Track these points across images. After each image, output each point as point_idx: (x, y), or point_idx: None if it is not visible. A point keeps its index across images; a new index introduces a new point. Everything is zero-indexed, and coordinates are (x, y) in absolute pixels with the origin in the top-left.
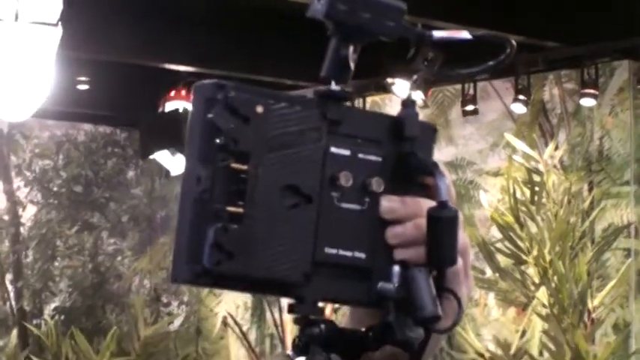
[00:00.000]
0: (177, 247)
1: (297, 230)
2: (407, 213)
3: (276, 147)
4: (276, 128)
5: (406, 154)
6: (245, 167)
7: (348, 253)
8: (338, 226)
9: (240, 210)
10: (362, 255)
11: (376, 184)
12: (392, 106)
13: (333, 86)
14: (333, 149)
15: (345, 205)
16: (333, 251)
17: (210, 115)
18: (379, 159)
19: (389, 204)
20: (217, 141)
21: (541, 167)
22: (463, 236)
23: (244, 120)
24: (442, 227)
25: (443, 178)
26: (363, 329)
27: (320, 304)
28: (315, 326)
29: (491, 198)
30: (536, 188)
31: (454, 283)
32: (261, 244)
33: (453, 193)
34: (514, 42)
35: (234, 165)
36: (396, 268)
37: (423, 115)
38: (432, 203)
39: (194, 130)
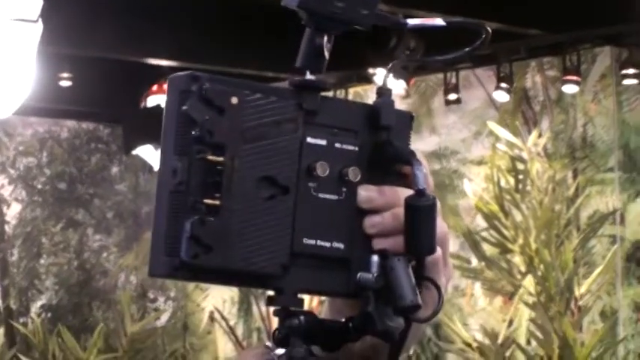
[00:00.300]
0: (155, 241)
1: (275, 221)
2: (385, 202)
3: (252, 138)
4: (252, 119)
5: (383, 143)
6: (221, 159)
7: (327, 244)
8: (315, 217)
9: (217, 202)
10: (340, 245)
11: (353, 173)
12: (374, 97)
13: (308, 76)
14: (310, 139)
15: (322, 195)
16: (311, 242)
17: (184, 107)
18: (356, 148)
19: (366, 193)
20: (192, 133)
21: (525, 155)
22: (442, 224)
23: (219, 111)
24: (420, 216)
25: (420, 167)
26: (343, 320)
27: (300, 296)
28: (294, 318)
29: (475, 187)
30: (521, 176)
31: (433, 271)
32: (238, 236)
33: (430, 181)
34: (489, 28)
35: (210, 157)
36: (375, 258)
37: (405, 105)
38: (410, 192)
39: (169, 122)
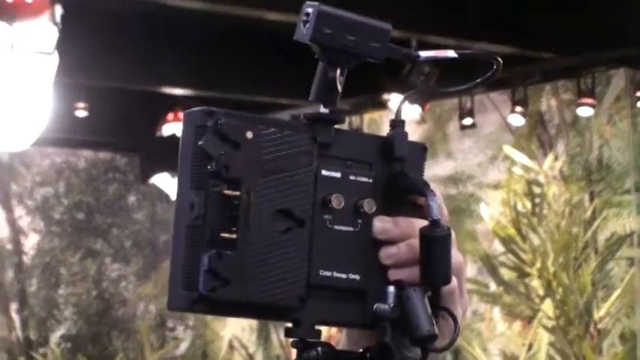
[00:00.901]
0: (173, 275)
1: (291, 254)
2: (400, 233)
3: (267, 172)
4: (267, 153)
5: (397, 175)
6: (237, 193)
7: (343, 275)
8: (331, 249)
9: (234, 236)
10: (356, 276)
11: (368, 205)
12: (388, 125)
13: (322, 109)
14: (324, 172)
15: (337, 228)
16: (328, 273)
17: (200, 142)
18: (370, 180)
19: (382, 224)
20: (208, 168)
21: (541, 178)
22: (457, 254)
23: (234, 146)
24: (435, 246)
25: (434, 197)
26: (360, 350)
27: (317, 327)
28: (312, 349)
29: (492, 211)
30: (537, 200)
31: (450, 301)
32: (255, 270)
33: (445, 211)
34: (500, 59)
35: (227, 191)
36: (391, 289)
37: (421, 130)
38: (425, 223)
39: (185, 157)
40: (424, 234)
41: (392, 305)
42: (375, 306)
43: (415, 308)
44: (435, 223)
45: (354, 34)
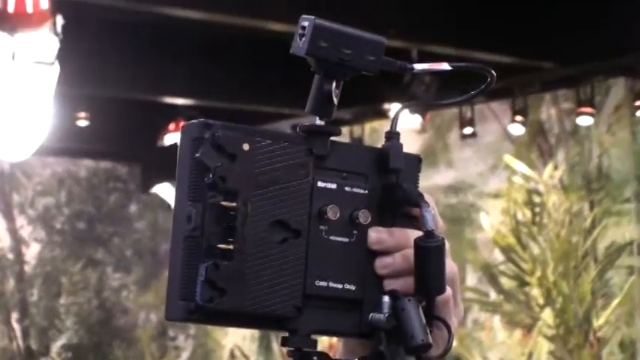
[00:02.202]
0: (170, 285)
1: (287, 264)
2: (395, 244)
3: (264, 183)
4: (263, 165)
5: (392, 186)
6: (234, 204)
7: (339, 285)
8: (327, 259)
9: (231, 247)
10: (352, 287)
11: (363, 216)
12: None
13: (318, 122)
14: (320, 183)
15: (333, 238)
16: (324, 284)
17: (197, 154)
18: (365, 191)
19: (377, 235)
20: (205, 179)
21: (541, 188)
22: (451, 264)
23: (231, 158)
24: (429, 256)
25: (428, 208)
26: None
27: (313, 337)
28: (308, 359)
29: (492, 220)
30: (537, 209)
31: (444, 311)
32: (252, 280)
33: (440, 222)
34: (493, 71)
35: (224, 202)
36: (386, 299)
37: (421, 140)
38: (419, 233)
39: (182, 169)
40: (418, 244)
41: (387, 315)
42: (370, 316)
43: (410, 318)
44: (429, 234)
45: (350, 47)
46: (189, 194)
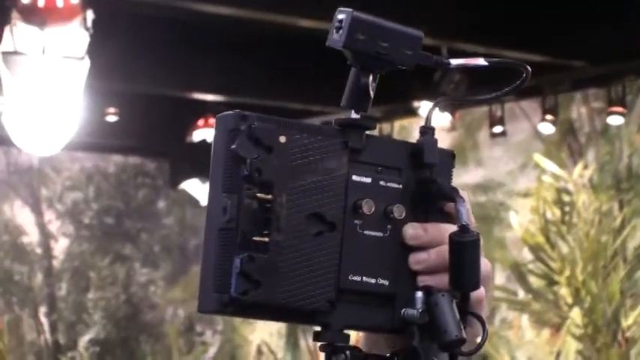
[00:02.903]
0: (204, 277)
1: (322, 258)
2: (430, 239)
3: (300, 176)
4: (299, 157)
5: (426, 181)
6: (269, 197)
7: (372, 280)
8: (361, 254)
9: (266, 239)
10: (385, 282)
11: (397, 211)
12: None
13: (354, 115)
14: (355, 177)
15: (367, 233)
16: (357, 278)
17: (233, 146)
18: (400, 186)
19: (413, 231)
20: (241, 171)
21: (570, 187)
22: (486, 262)
23: (267, 150)
24: (465, 251)
25: (463, 203)
26: (388, 355)
27: (346, 331)
28: (340, 353)
29: (521, 219)
30: (567, 208)
31: (478, 307)
32: (286, 273)
33: (472, 218)
34: (529, 68)
35: (259, 194)
36: (419, 294)
37: (451, 138)
38: (454, 228)
39: (217, 161)
40: (454, 239)
41: (420, 310)
42: (403, 311)
43: (443, 313)
44: (464, 229)
45: (387, 40)
46: (224, 186)
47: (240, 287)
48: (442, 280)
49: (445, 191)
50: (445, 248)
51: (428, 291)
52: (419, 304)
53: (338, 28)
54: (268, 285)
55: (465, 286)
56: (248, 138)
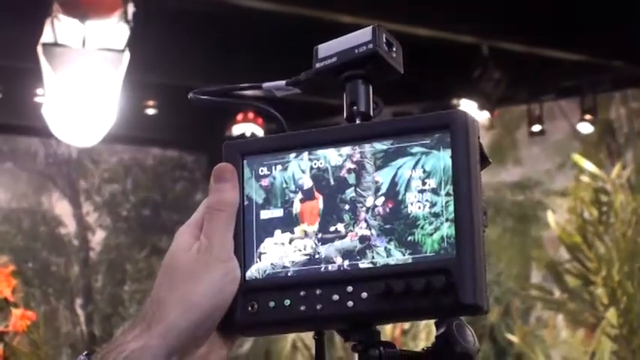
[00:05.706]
0: None
1: None
2: None
3: None
4: None
5: None
6: None
7: None
8: None
9: None
10: None
11: None
12: None
13: None
14: None
15: None
16: None
17: None
18: None
19: None
20: None
21: (608, 187)
22: None
23: None
24: None
25: None
26: (421, 349)
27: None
28: (375, 349)
29: (558, 218)
30: (604, 208)
31: None
32: None
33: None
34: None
35: None
36: None
37: (489, 136)
38: None
39: None
40: None
41: None
42: None
43: None
44: None
45: None
46: None
47: None
48: None
49: None
50: None
51: None
52: None
53: None
54: None
55: None
56: None
